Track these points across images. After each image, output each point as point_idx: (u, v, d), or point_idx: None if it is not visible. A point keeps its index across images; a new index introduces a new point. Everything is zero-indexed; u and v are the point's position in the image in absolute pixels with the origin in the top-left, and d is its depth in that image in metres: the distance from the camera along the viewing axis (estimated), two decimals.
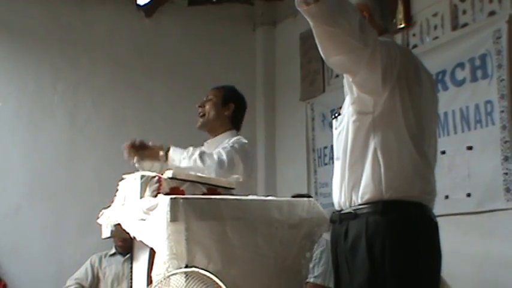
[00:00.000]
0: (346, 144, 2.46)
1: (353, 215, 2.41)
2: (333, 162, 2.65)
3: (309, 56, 5.94)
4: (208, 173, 3.31)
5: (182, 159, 3.39)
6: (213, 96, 3.72)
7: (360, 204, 2.41)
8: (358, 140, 2.42)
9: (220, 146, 3.54)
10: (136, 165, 3.55)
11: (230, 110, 3.72)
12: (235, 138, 3.63)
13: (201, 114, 3.73)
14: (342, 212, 2.48)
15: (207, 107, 3.71)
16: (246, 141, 3.67)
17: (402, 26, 4.94)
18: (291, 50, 6.18)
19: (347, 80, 2.39)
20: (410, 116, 2.40)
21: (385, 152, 2.38)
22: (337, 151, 2.55)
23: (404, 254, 2.34)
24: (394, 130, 2.39)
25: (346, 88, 2.44)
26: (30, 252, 5.60)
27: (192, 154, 3.38)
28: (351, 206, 2.43)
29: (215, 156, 3.37)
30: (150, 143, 3.56)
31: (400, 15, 4.93)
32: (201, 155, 3.37)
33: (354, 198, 2.42)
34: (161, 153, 3.46)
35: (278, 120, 6.45)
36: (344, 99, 2.54)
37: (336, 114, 2.61)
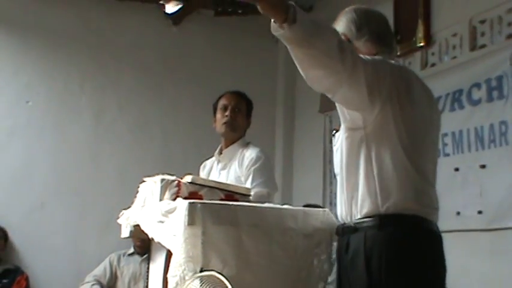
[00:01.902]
0: (341, 160, 2.46)
1: (353, 229, 2.40)
2: None
3: None
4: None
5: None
6: (241, 106, 3.81)
7: (359, 218, 2.39)
8: (351, 155, 2.41)
9: (236, 162, 3.60)
10: None
11: (249, 124, 3.86)
12: (255, 153, 3.65)
13: (231, 121, 3.76)
14: (344, 225, 2.47)
15: (239, 118, 3.79)
16: (259, 150, 3.71)
17: (421, 44, 4.92)
18: None
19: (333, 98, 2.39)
20: (403, 131, 2.37)
21: (379, 167, 2.36)
22: (336, 167, 2.56)
23: (401, 267, 2.31)
24: (387, 145, 2.36)
25: (337, 106, 2.43)
26: (52, 247, 5.63)
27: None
28: (351, 220, 2.43)
29: (264, 195, 3.48)
30: None
31: (420, 34, 4.92)
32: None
33: (353, 212, 2.42)
34: None
35: (297, 131, 6.44)
36: None
37: (334, 132, 2.62)
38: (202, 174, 3.86)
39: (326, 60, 2.18)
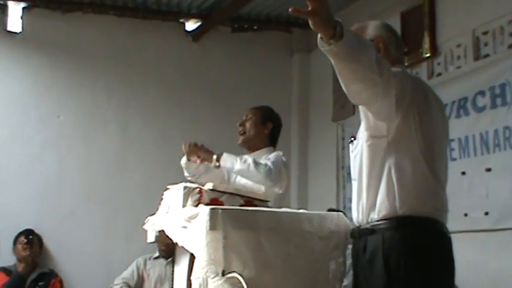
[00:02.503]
0: (361, 166, 2.46)
1: (370, 231, 2.40)
2: None
3: None
4: (257, 179, 3.38)
5: (235, 162, 3.45)
6: (253, 115, 3.77)
7: (376, 221, 2.39)
8: (373, 162, 2.41)
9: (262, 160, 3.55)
10: (183, 163, 3.61)
11: (268, 129, 3.77)
12: (275, 153, 3.64)
13: (242, 132, 3.76)
14: (361, 228, 2.46)
15: (248, 125, 3.75)
16: (279, 152, 3.68)
17: (428, 55, 4.91)
18: (325, 75, 6.16)
19: (362, 109, 2.38)
20: (422, 138, 2.38)
21: (398, 172, 2.37)
22: (354, 172, 2.55)
23: (419, 266, 2.31)
24: (407, 152, 2.37)
25: (361, 115, 2.43)
26: (83, 252, 5.65)
27: (246, 160, 3.43)
28: (368, 223, 2.42)
29: (265, 165, 3.40)
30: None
31: (426, 45, 4.90)
32: (255, 161, 3.42)
33: (371, 215, 2.41)
34: (214, 156, 3.55)
35: (311, 139, 6.43)
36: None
37: (352, 139, 2.61)
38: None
39: (367, 74, 2.18)
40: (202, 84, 6.23)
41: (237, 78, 6.31)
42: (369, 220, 2.41)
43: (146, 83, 6.07)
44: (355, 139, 2.57)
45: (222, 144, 5.85)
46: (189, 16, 6.14)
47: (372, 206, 2.41)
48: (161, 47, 6.15)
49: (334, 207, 5.54)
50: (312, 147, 6.41)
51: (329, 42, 2.09)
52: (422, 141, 2.38)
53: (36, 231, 5.47)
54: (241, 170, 3.42)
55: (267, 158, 3.56)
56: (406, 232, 2.34)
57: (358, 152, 2.49)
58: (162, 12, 6.02)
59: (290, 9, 2.08)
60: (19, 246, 5.35)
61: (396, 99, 2.30)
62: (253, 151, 3.73)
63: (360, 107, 2.41)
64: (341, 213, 2.83)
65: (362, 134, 2.47)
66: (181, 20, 6.19)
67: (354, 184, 2.53)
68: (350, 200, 5.64)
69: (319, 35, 2.12)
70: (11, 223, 5.44)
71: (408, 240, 2.33)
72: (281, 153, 3.68)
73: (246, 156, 3.49)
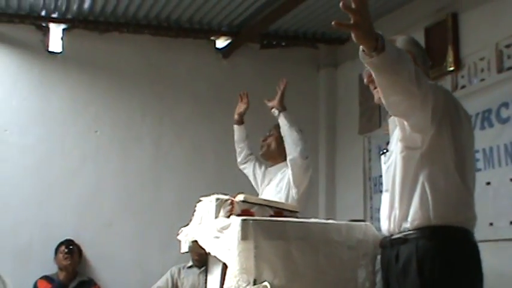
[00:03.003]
0: (394, 177, 2.43)
1: (403, 240, 2.38)
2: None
3: (367, 94, 5.81)
4: (294, 149, 3.77)
5: (288, 122, 3.89)
6: (275, 131, 4.02)
7: (409, 230, 2.37)
8: (407, 173, 2.39)
9: (279, 173, 3.70)
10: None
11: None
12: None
13: (264, 146, 4.07)
14: (392, 237, 2.44)
15: (269, 140, 4.06)
16: None
17: (452, 68, 4.86)
18: (351, 89, 6.15)
19: (399, 120, 2.36)
20: (454, 149, 2.37)
21: (432, 182, 2.35)
22: (387, 184, 2.52)
23: (452, 275, 2.29)
24: (440, 163, 2.35)
25: (395, 125, 2.41)
26: (120, 261, 5.69)
27: (294, 126, 3.88)
28: (400, 232, 2.39)
29: (305, 149, 3.76)
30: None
31: (450, 58, 4.86)
32: (298, 132, 3.84)
33: (403, 225, 2.39)
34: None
35: (338, 151, 6.40)
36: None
37: (384, 150, 2.59)
38: (260, 173, 4.19)
39: (406, 86, 2.17)
40: (232, 100, 6.19)
41: (266, 93, 6.25)
42: (402, 230, 2.39)
43: (178, 99, 6.10)
44: (387, 151, 2.55)
45: None
46: (220, 34, 6.17)
47: (404, 216, 2.38)
48: (193, 64, 6.18)
49: (361, 217, 5.50)
50: (339, 159, 6.38)
51: (371, 54, 2.08)
52: (455, 152, 2.36)
53: (76, 241, 5.52)
54: (289, 129, 3.76)
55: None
56: (440, 241, 2.33)
57: (392, 163, 2.47)
58: (194, 30, 6.06)
59: (333, 23, 2.04)
60: (60, 256, 5.40)
61: (432, 112, 2.29)
62: (274, 164, 3.90)
63: (396, 118, 2.39)
64: (368, 223, 2.81)
65: (396, 145, 2.45)
66: (212, 38, 6.23)
67: (386, 195, 2.50)
68: (377, 211, 5.62)
69: (360, 48, 2.11)
70: (52, 233, 5.50)
71: (442, 249, 2.31)
72: None
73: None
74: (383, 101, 2.24)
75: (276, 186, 3.84)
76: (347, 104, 6.27)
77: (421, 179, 2.36)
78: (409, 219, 2.37)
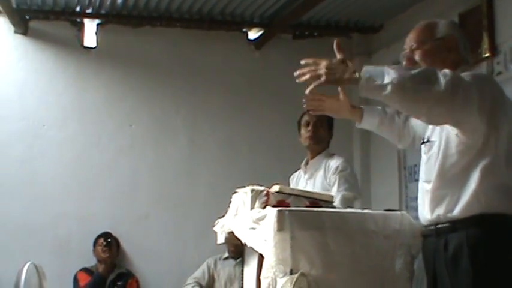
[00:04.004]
0: (442, 168, 2.38)
1: (452, 228, 2.35)
2: None
3: None
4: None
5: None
6: (322, 120, 3.81)
7: (458, 219, 2.34)
8: (456, 164, 2.35)
9: (322, 172, 3.59)
10: None
11: (332, 135, 3.89)
12: (340, 162, 3.65)
13: (313, 136, 3.81)
14: (438, 226, 2.40)
15: (321, 131, 3.83)
16: (343, 160, 3.72)
17: (487, 55, 4.76)
18: None
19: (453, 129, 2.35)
20: (504, 137, 2.32)
21: (482, 171, 2.31)
22: (428, 174, 2.47)
23: (505, 263, 2.27)
24: (493, 153, 2.31)
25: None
26: (156, 253, 5.74)
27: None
28: (448, 221, 2.36)
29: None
30: None
31: (485, 45, 4.76)
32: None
33: (450, 214, 2.36)
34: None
35: (372, 140, 6.34)
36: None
37: (425, 140, 2.54)
38: (292, 185, 3.88)
39: (437, 101, 2.18)
40: (265, 91, 6.23)
41: (299, 83, 6.26)
42: (449, 218, 2.36)
43: (212, 91, 6.11)
44: (428, 141, 2.51)
45: (284, 149, 5.91)
46: (252, 25, 6.16)
47: (452, 206, 2.35)
48: (225, 56, 6.18)
49: (397, 207, 5.45)
50: (373, 149, 6.32)
51: (382, 89, 2.20)
52: (506, 140, 2.33)
53: (113, 233, 5.59)
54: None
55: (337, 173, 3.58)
56: (490, 229, 2.30)
57: (433, 154, 2.43)
58: (226, 22, 6.06)
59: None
60: (99, 248, 5.47)
61: (478, 110, 2.25)
62: (315, 155, 3.80)
63: None
64: (404, 212, 2.78)
65: (439, 135, 2.42)
66: (244, 30, 6.22)
67: (426, 185, 2.46)
68: (413, 200, 5.57)
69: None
70: (90, 226, 5.58)
71: (493, 237, 2.29)
72: (343, 159, 3.72)
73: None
74: (426, 122, 2.29)
75: (321, 180, 3.74)
76: None
77: (471, 169, 2.32)
78: (458, 208, 2.34)
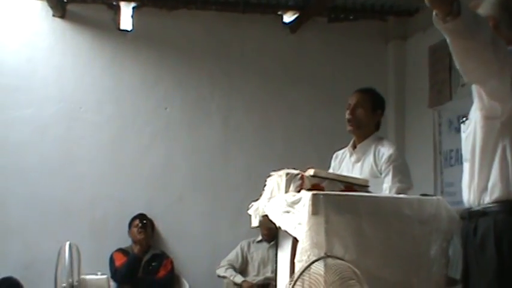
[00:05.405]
0: (474, 147, 2.34)
1: (482, 213, 2.30)
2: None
3: (437, 66, 5.74)
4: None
5: None
6: (364, 103, 3.55)
7: (488, 203, 2.29)
8: (486, 143, 2.30)
9: (371, 157, 3.44)
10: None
11: (378, 117, 3.60)
12: (393, 151, 3.45)
13: (351, 120, 3.54)
14: (471, 209, 2.37)
15: (359, 113, 3.53)
16: (394, 148, 3.53)
17: None
18: (420, 62, 6.00)
19: (476, 88, 2.28)
20: None
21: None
22: (465, 153, 2.44)
23: None
24: None
25: (474, 94, 2.32)
26: (191, 235, 5.80)
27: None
28: (479, 205, 2.32)
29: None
30: None
31: None
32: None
33: (482, 197, 2.31)
34: None
35: (407, 125, 6.28)
36: (470, 105, 2.43)
37: (464, 119, 2.50)
38: (334, 163, 3.72)
39: (482, 52, 2.11)
40: (300, 74, 6.20)
41: (334, 67, 6.23)
42: (481, 202, 2.32)
43: (246, 74, 6.11)
44: (467, 119, 2.46)
45: (320, 131, 5.89)
46: (287, 8, 6.12)
47: (484, 188, 2.31)
48: (260, 40, 6.16)
49: (432, 192, 5.39)
50: (408, 133, 6.26)
51: (445, 19, 2.02)
52: None
53: (148, 215, 5.65)
54: None
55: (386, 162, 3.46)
56: None
57: (471, 132, 2.38)
58: (261, 5, 6.03)
59: None
60: (134, 230, 5.54)
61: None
62: (361, 140, 3.57)
63: (473, 87, 2.31)
64: (440, 197, 2.74)
65: (474, 114, 2.37)
66: (279, 13, 6.18)
67: (466, 165, 2.42)
68: (448, 185, 5.51)
69: (434, 12, 2.06)
70: (125, 208, 5.65)
71: None
72: (395, 147, 3.55)
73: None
74: (458, 67, 2.17)
75: (370, 165, 3.56)
76: (416, 77, 6.13)
77: (500, 149, 2.27)
78: (488, 191, 2.29)
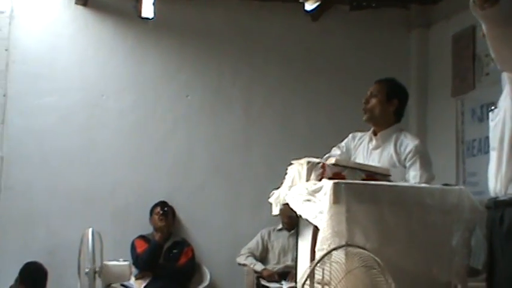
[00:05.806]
0: (502, 135, 2.32)
1: (508, 202, 2.28)
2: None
3: (461, 55, 5.68)
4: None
5: None
6: (378, 93, 3.53)
7: None
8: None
9: (392, 146, 3.41)
10: None
11: (394, 106, 3.55)
12: (418, 142, 3.42)
13: (366, 110, 3.53)
14: (498, 198, 2.34)
15: (372, 103, 3.52)
16: (419, 140, 3.50)
17: None
18: (443, 50, 5.94)
19: (508, 76, 2.25)
20: None
21: None
22: (493, 141, 2.41)
23: None
24: None
25: (504, 82, 2.30)
26: (212, 223, 5.82)
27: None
28: (506, 194, 2.30)
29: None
30: None
31: None
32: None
33: (510, 186, 2.29)
34: None
35: (430, 114, 6.23)
36: (497, 94, 2.40)
37: (493, 108, 2.47)
38: (352, 144, 3.61)
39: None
40: (322, 63, 6.17)
41: (356, 55, 6.20)
42: (508, 191, 2.30)
43: (268, 62, 6.09)
44: (495, 107, 2.43)
45: (341, 120, 5.87)
46: None
47: (510, 177, 2.29)
48: (282, 28, 6.14)
49: (454, 181, 5.35)
50: (430, 122, 6.21)
51: (483, 6, 2.01)
52: None
53: (170, 203, 5.68)
54: None
55: (419, 152, 3.41)
56: None
57: (499, 120, 2.36)
58: None
59: None
60: (155, 217, 5.57)
61: None
62: (381, 129, 3.53)
63: (506, 74, 2.29)
64: (463, 187, 2.73)
65: (504, 102, 2.34)
66: (300, 1, 6.13)
67: (493, 154, 2.40)
68: (470, 175, 5.47)
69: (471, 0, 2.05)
70: (147, 195, 5.69)
71: None
72: (419, 140, 3.52)
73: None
74: (493, 55, 2.15)
75: (390, 154, 3.53)
76: (439, 65, 6.07)
77: None
78: None
